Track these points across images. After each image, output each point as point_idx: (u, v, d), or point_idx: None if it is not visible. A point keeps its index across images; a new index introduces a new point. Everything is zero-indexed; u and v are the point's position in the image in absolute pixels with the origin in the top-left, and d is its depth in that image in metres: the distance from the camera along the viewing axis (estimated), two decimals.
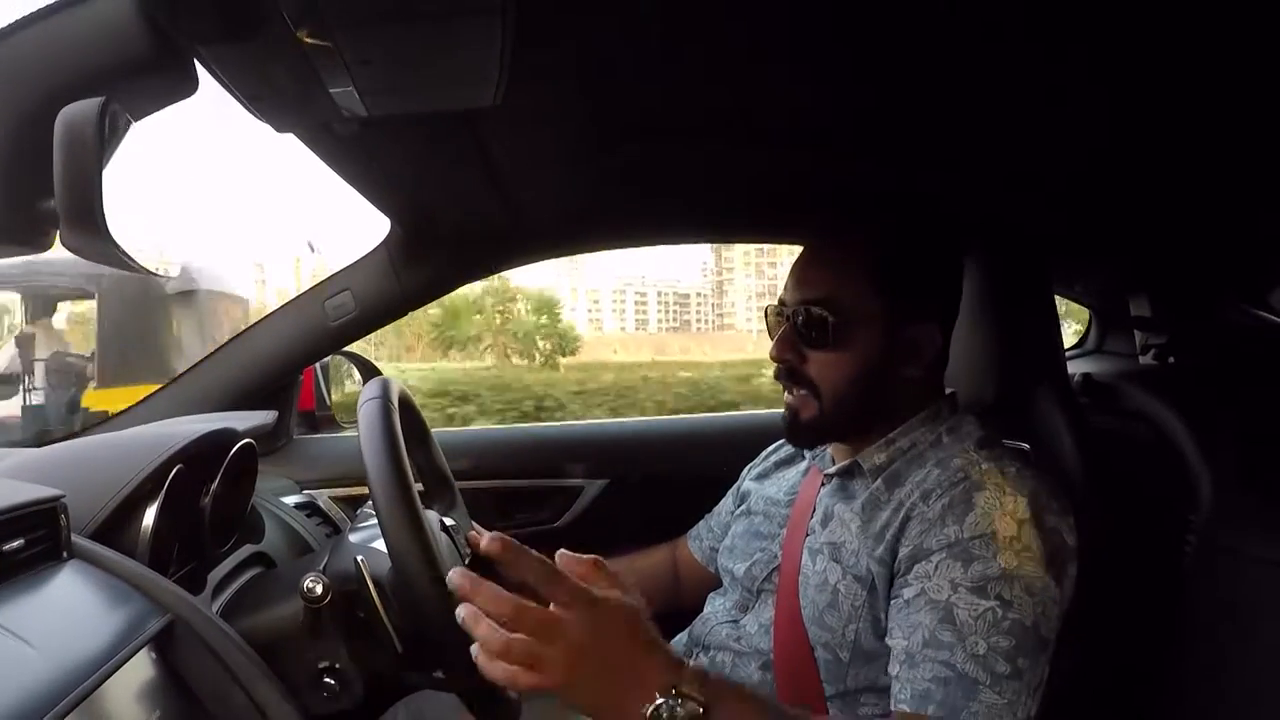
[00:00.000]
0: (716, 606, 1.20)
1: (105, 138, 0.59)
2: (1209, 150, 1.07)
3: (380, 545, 0.97)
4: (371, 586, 0.97)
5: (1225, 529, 1.11)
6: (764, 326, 1.15)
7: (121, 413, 1.58)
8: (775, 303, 1.12)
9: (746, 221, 1.68)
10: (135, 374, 4.42)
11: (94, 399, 4.61)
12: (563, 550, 1.25)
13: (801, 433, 1.11)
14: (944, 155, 1.16)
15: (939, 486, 0.99)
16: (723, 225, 1.77)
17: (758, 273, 29.29)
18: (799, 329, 1.07)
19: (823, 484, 1.14)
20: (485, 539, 0.89)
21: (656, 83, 0.97)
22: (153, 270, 0.73)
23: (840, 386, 1.07)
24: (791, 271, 1.12)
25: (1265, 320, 1.64)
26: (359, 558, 0.98)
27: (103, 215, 0.59)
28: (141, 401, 1.61)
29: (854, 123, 1.09)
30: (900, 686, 0.92)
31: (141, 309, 4.79)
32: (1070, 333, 2.08)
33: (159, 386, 1.63)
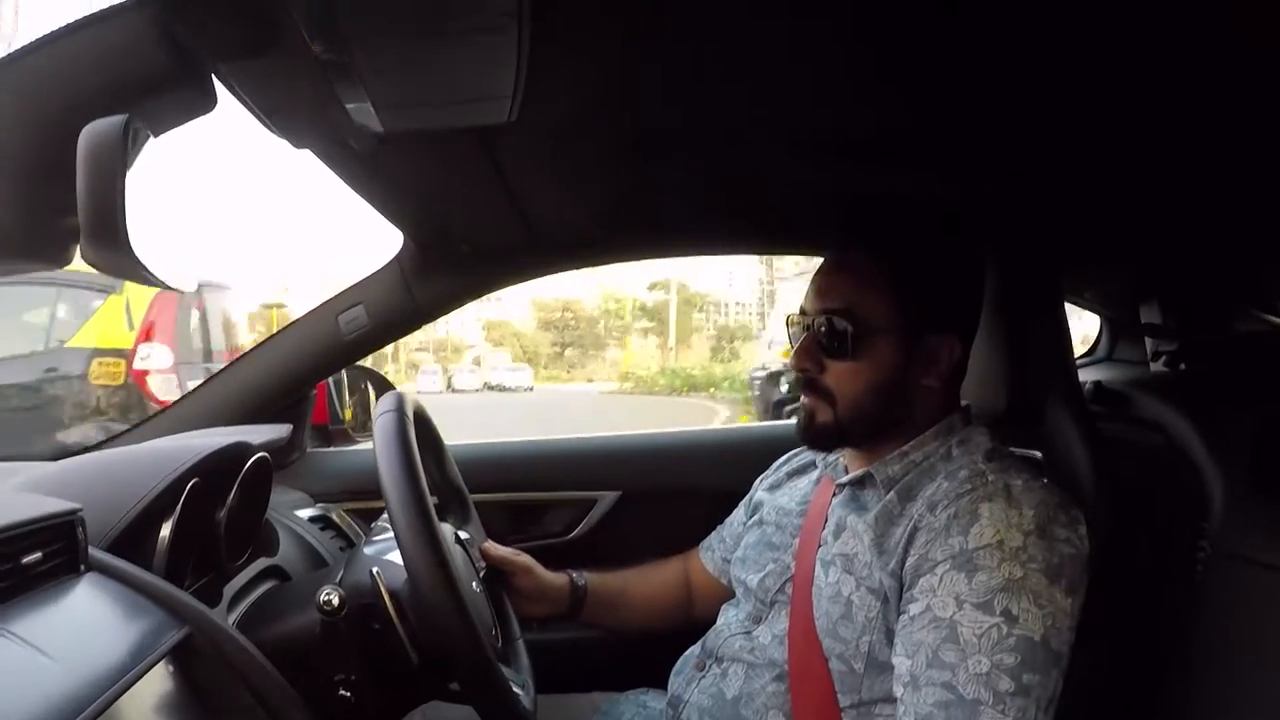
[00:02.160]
0: (730, 618, 1.20)
1: (128, 154, 0.60)
2: (1220, 155, 1.07)
3: (395, 557, 0.98)
4: (387, 598, 0.97)
5: (1238, 536, 1.10)
6: None
7: (137, 426, 1.60)
8: (798, 312, 1.13)
9: (764, 233, 1.68)
10: None
11: None
12: (486, 545, 1.27)
13: (816, 436, 1.11)
14: (955, 163, 1.17)
15: (946, 498, 0.99)
16: (740, 237, 1.76)
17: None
18: (819, 339, 1.08)
19: (835, 494, 1.14)
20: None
21: (671, 98, 0.97)
22: (171, 284, 0.74)
23: (858, 397, 1.07)
24: (813, 281, 1.13)
25: (1277, 326, 1.63)
26: (374, 570, 0.99)
27: (125, 230, 0.60)
28: (157, 415, 1.62)
29: (868, 132, 1.09)
30: (904, 710, 0.92)
31: None
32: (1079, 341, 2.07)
33: (175, 400, 1.64)
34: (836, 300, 1.08)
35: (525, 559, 1.31)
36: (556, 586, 1.32)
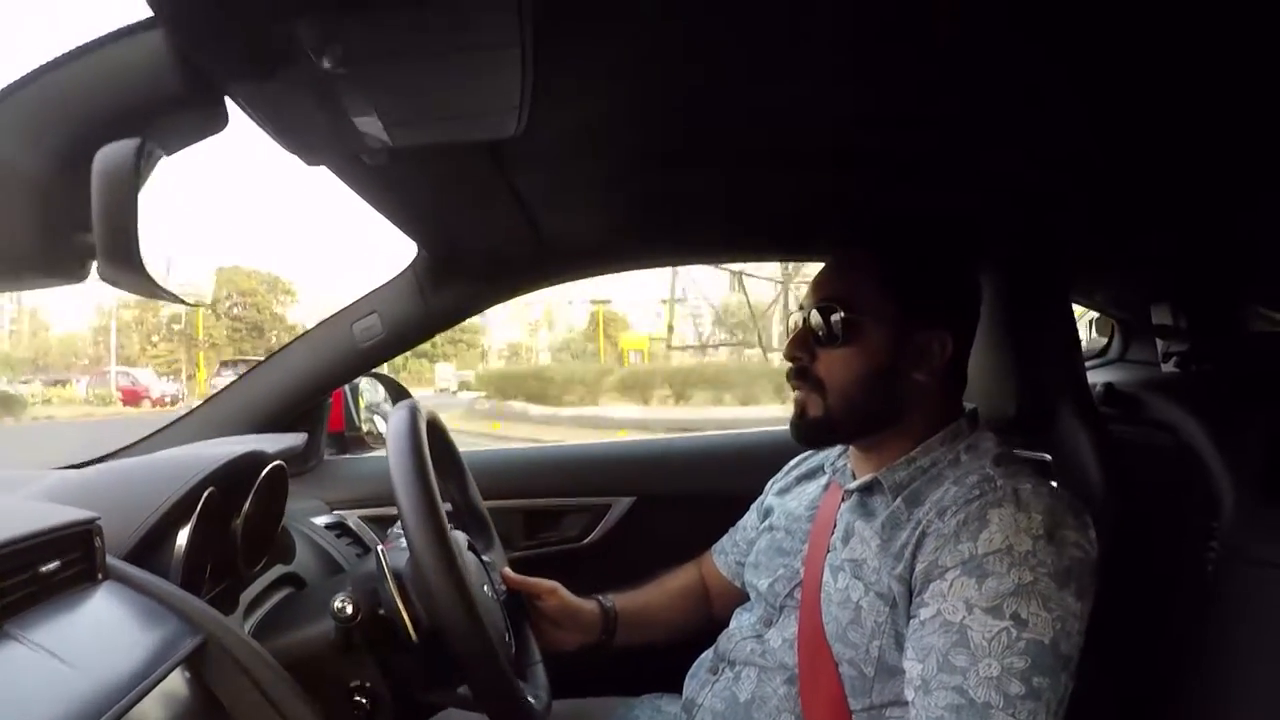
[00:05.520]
0: (742, 621, 1.21)
1: (142, 176, 0.61)
2: (1231, 157, 1.07)
3: (405, 545, 0.98)
4: (390, 577, 0.98)
5: (1249, 538, 1.09)
6: None
7: (154, 434, 1.61)
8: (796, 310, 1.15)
9: (771, 240, 1.69)
10: None
11: None
12: (506, 570, 1.27)
13: (807, 430, 1.12)
14: (964, 169, 1.17)
15: (955, 503, 0.99)
16: (748, 244, 1.78)
17: None
18: (812, 328, 1.10)
19: (843, 500, 1.14)
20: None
21: (679, 111, 0.98)
22: (186, 300, 0.76)
23: (847, 384, 1.08)
24: (812, 281, 1.15)
25: None
26: (380, 549, 1.01)
27: (138, 249, 0.62)
28: (174, 423, 1.64)
29: (879, 145, 1.10)
30: (916, 713, 0.92)
31: None
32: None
33: (190, 409, 1.66)
34: (830, 291, 1.10)
35: (549, 581, 1.30)
36: (586, 611, 1.31)
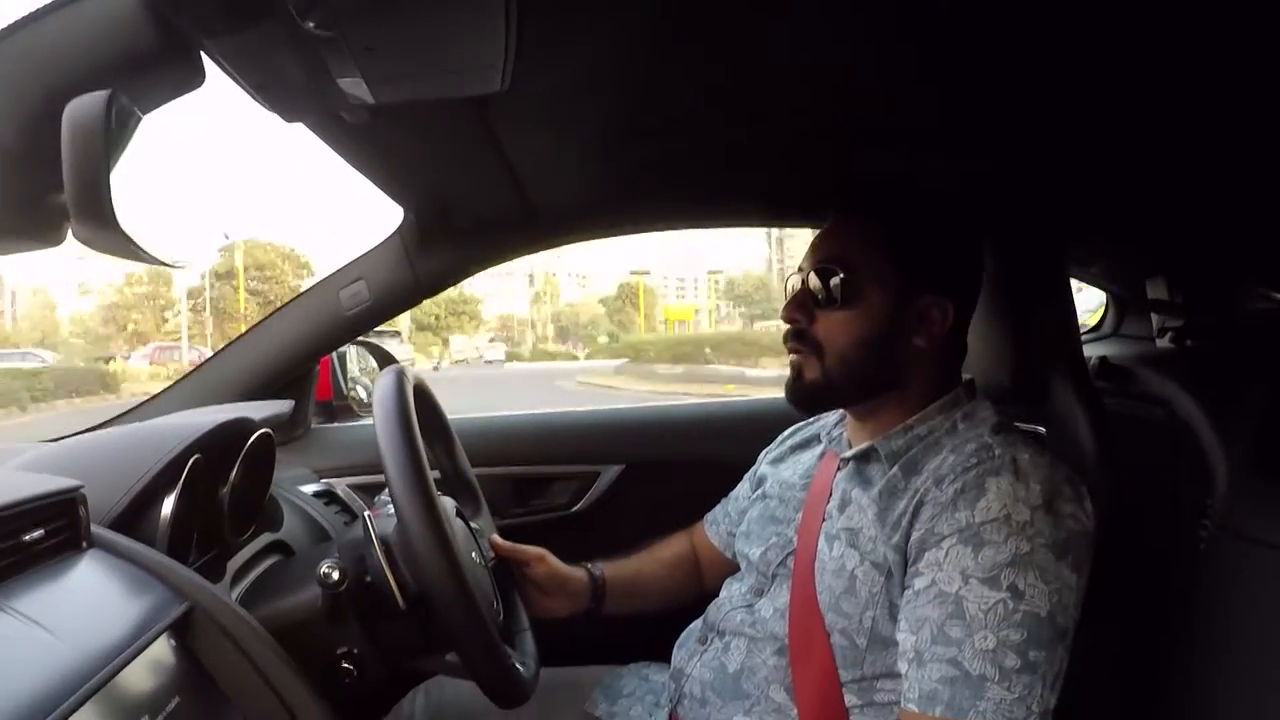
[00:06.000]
0: (733, 591, 1.20)
1: (113, 130, 0.59)
2: (1228, 132, 1.06)
3: (392, 511, 0.98)
4: (377, 543, 0.98)
5: (1241, 514, 1.10)
6: None
7: (141, 404, 1.61)
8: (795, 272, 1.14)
9: (766, 205, 1.68)
10: None
11: None
12: (495, 536, 1.27)
13: (803, 394, 1.11)
14: (961, 140, 1.16)
15: (952, 472, 0.98)
16: (740, 209, 1.76)
17: None
18: (811, 290, 1.09)
19: (839, 468, 1.13)
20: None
21: (669, 73, 0.97)
22: (166, 261, 0.74)
23: (845, 348, 1.07)
24: (811, 243, 1.13)
25: None
26: (366, 514, 1.01)
27: (111, 205, 0.60)
28: (160, 393, 1.63)
29: (875, 114, 1.09)
30: (909, 686, 0.92)
31: None
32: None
33: (178, 379, 1.65)
34: (830, 252, 1.09)
35: (537, 548, 1.30)
36: (575, 579, 1.31)
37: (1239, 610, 1.05)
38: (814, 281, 1.08)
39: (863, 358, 1.07)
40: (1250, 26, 0.79)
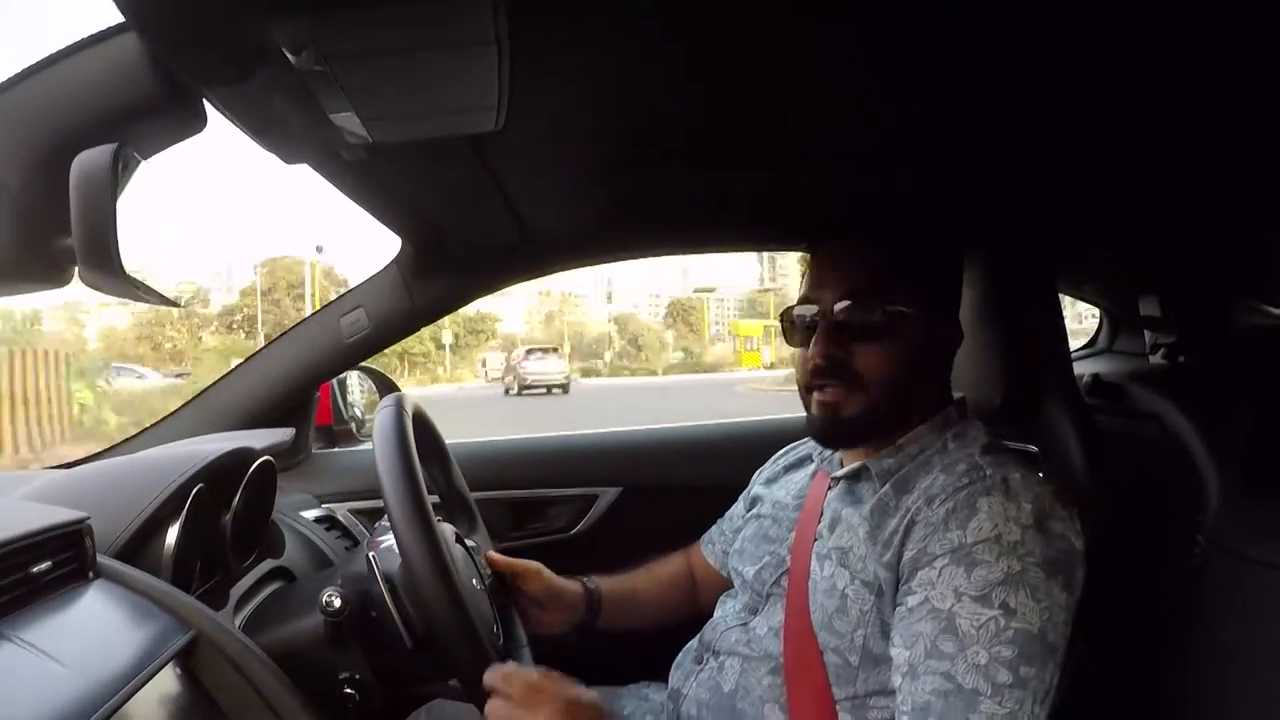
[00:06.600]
0: (727, 610, 1.21)
1: (120, 181, 0.61)
2: (1220, 150, 1.06)
3: (395, 549, 0.99)
4: (381, 581, 0.99)
5: (1233, 531, 1.10)
6: None
7: (142, 432, 1.62)
8: (795, 305, 1.13)
9: (752, 231, 1.69)
10: None
11: None
12: (491, 552, 1.27)
13: (845, 430, 1.09)
14: (950, 158, 1.17)
15: (943, 491, 0.99)
16: (731, 235, 1.77)
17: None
18: (844, 322, 1.07)
19: (830, 487, 1.14)
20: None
21: (661, 104, 0.98)
22: (169, 299, 0.76)
23: (893, 378, 1.06)
24: (813, 273, 1.12)
25: (1276, 319, 1.63)
26: (370, 554, 1.01)
27: (118, 253, 0.62)
28: (162, 421, 1.64)
29: (865, 137, 1.09)
30: (902, 698, 0.93)
31: None
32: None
33: (178, 407, 1.66)
34: (858, 283, 1.07)
35: (533, 563, 1.31)
36: (571, 592, 1.32)
37: (1232, 626, 1.05)
38: (849, 314, 1.07)
39: (906, 386, 1.07)
40: (1239, 42, 0.79)
